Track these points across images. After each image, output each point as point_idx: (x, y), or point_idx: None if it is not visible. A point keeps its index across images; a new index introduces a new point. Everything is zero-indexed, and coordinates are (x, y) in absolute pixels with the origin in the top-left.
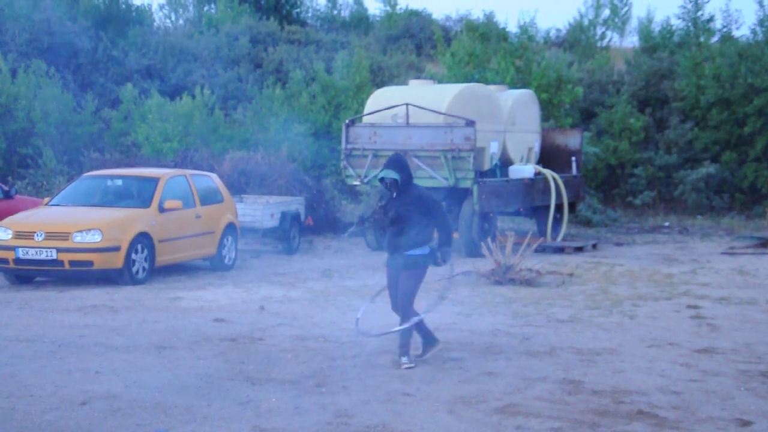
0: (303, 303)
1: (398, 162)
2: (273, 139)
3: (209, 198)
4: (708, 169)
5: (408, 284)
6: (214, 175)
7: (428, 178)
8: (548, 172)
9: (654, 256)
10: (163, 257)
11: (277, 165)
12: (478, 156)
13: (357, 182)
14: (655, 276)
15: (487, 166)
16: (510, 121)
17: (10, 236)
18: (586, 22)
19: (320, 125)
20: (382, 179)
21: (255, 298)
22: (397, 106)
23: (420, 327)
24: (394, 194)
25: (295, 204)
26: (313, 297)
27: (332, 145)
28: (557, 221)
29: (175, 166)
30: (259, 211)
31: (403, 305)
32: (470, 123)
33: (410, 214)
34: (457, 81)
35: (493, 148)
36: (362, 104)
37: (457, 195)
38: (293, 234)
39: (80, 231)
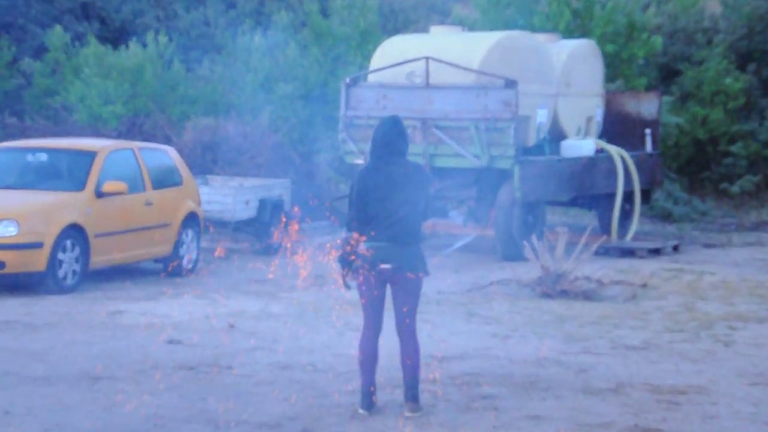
0: (286, 319)
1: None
2: (250, 102)
3: (164, 179)
4: None
5: (409, 292)
6: (170, 149)
7: (453, 156)
8: (614, 149)
9: (757, 263)
10: (101, 257)
11: (254, 137)
12: (520, 127)
13: (360, 161)
14: (758, 289)
15: (532, 141)
16: (564, 82)
17: None
18: None
19: (312, 85)
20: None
21: (222, 313)
22: (413, 60)
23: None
24: (379, 164)
25: (278, 188)
26: (300, 312)
27: (328, 112)
28: (626, 214)
29: (120, 136)
30: (230, 197)
31: (411, 323)
32: (510, 84)
33: (399, 197)
34: (493, 28)
35: (541, 117)
36: (368, 58)
37: (492, 179)
38: (275, 228)
39: None
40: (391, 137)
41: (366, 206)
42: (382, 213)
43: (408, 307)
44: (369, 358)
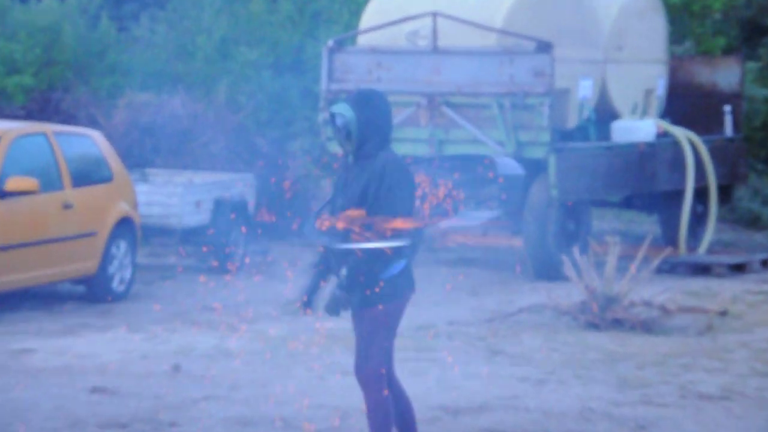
0: (249, 360)
1: (365, 98)
2: (202, 72)
3: (88, 174)
4: None
5: (378, 329)
6: (97, 135)
7: (469, 142)
8: (681, 133)
9: None
10: (3, 278)
11: (208, 118)
12: (557, 104)
13: None
14: None
15: (573, 123)
16: (614, 44)
17: None
18: None
19: (284, 50)
20: (332, 117)
21: (165, 351)
22: (417, 17)
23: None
24: (351, 159)
25: (239, 185)
26: (267, 349)
27: (305, 85)
28: (698, 219)
29: (29, 117)
30: (175, 197)
31: (370, 368)
32: (544, 47)
33: (380, 194)
34: None
35: (585, 91)
36: (357, 15)
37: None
38: (235, 238)
39: None
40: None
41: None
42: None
43: (364, 350)
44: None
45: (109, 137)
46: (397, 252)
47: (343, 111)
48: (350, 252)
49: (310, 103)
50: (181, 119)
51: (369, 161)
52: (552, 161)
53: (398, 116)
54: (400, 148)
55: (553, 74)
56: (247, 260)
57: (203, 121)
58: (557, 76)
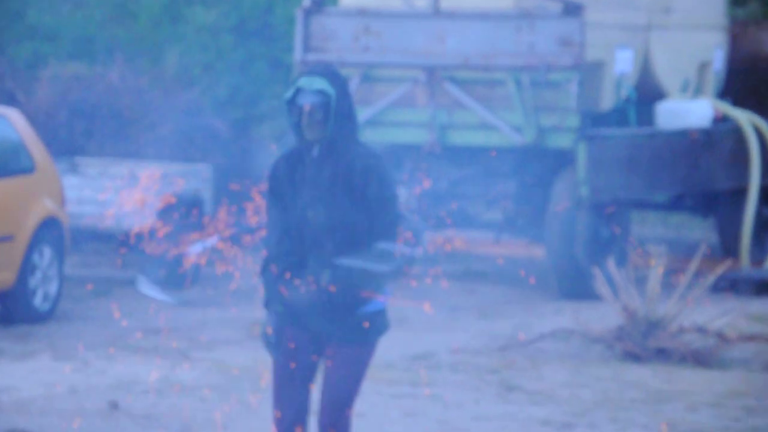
0: (205, 396)
1: (338, 74)
2: (147, 39)
3: (2, 163)
4: None
5: (352, 374)
6: (14, 114)
7: (479, 128)
8: (744, 117)
9: None
10: None
11: (154, 95)
12: (588, 80)
13: None
14: None
15: (608, 104)
16: (660, 6)
17: None
18: None
19: (249, 11)
20: (292, 102)
21: (99, 385)
22: None
23: None
24: (315, 151)
25: (193, 179)
26: (227, 383)
27: (274, 55)
28: (765, 224)
29: None
30: (113, 192)
31: (346, 417)
32: (572, 9)
33: (351, 202)
34: None
35: (623, 64)
36: None
37: (542, 165)
38: (186, 242)
39: None
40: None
41: (281, 216)
42: (307, 228)
43: (341, 393)
44: None
45: (30, 117)
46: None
47: (323, 86)
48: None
49: (280, 77)
50: (120, 96)
51: (338, 157)
52: (581, 151)
53: (391, 94)
54: (393, 135)
55: (583, 43)
56: (201, 269)
57: (148, 98)
58: (589, 45)
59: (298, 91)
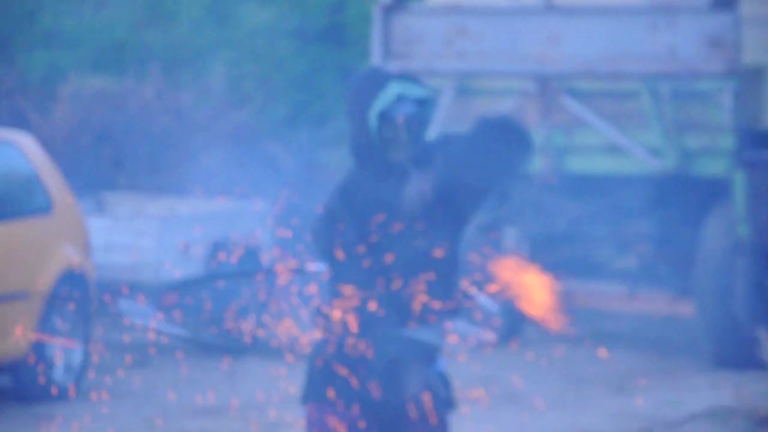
0: None
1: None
2: (188, 45)
3: (13, 202)
4: None
5: None
6: (26, 140)
7: (605, 152)
8: None
9: None
10: None
11: (198, 115)
12: (747, 90)
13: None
14: None
15: None
16: None
17: None
18: None
19: (314, 9)
20: (384, 115)
21: None
22: None
23: None
24: (405, 167)
25: (248, 219)
26: None
27: (346, 62)
28: None
29: None
30: (149, 237)
31: None
32: (725, 0)
33: (449, 234)
34: None
35: None
36: None
37: (688, 199)
38: (245, 300)
39: None
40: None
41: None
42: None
43: None
44: None
45: (46, 144)
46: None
47: (424, 94)
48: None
49: None
50: (156, 116)
51: (424, 171)
52: (739, 180)
53: (495, 111)
54: None
55: (739, 43)
56: (262, 333)
57: (190, 119)
58: (746, 46)
59: (398, 99)
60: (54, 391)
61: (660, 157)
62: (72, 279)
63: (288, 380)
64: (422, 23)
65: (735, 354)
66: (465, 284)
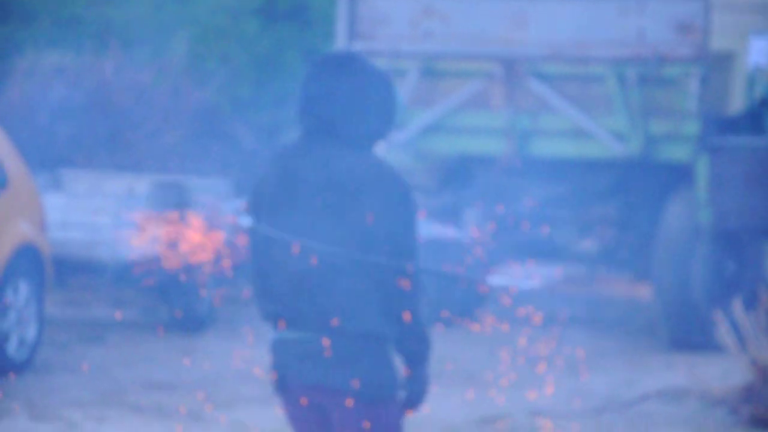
0: None
1: (348, 61)
2: (150, 20)
3: None
4: None
5: None
6: None
7: (570, 136)
8: None
9: None
10: None
11: (158, 92)
12: (713, 76)
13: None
14: None
15: (738, 105)
16: None
17: None
18: None
19: None
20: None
21: None
22: None
23: None
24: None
25: (208, 196)
26: None
27: (310, 44)
28: None
29: None
30: (106, 214)
31: None
32: None
33: (353, 234)
34: None
35: (758, 55)
36: None
37: (651, 183)
38: (200, 278)
39: None
40: (339, 100)
41: (266, 243)
42: (301, 258)
43: None
44: None
45: (2, 120)
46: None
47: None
48: None
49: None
50: (115, 93)
51: (344, 160)
52: (703, 166)
53: (459, 93)
54: (461, 144)
55: (707, 29)
56: (218, 311)
57: (150, 96)
58: (714, 31)
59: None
60: (8, 365)
61: (624, 141)
62: (27, 255)
63: (245, 356)
64: (388, 4)
65: (691, 336)
66: None
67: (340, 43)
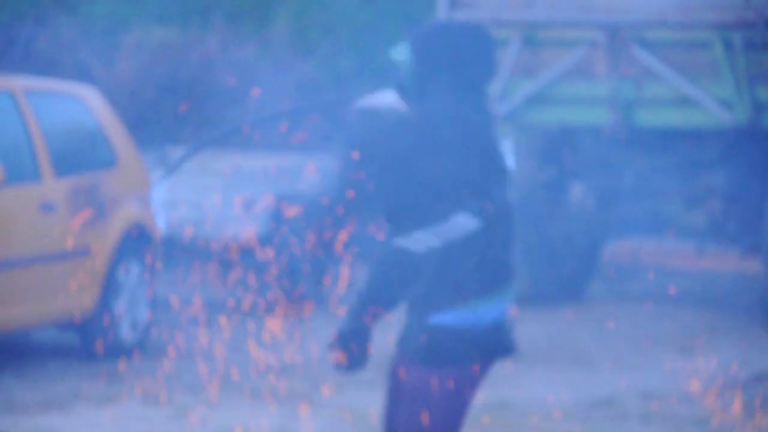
0: None
1: (432, 34)
2: None
3: (78, 156)
4: None
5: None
6: (90, 93)
7: (676, 104)
8: None
9: None
10: None
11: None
12: None
13: None
14: None
15: None
16: None
17: None
18: None
19: None
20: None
21: None
22: None
23: None
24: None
25: (315, 175)
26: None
27: (408, 13)
28: None
29: None
30: (214, 193)
31: None
32: None
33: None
34: None
35: None
36: None
37: (760, 153)
38: (310, 258)
39: None
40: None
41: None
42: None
43: None
44: None
45: (110, 97)
46: None
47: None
48: None
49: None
50: (219, 69)
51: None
52: None
53: (562, 63)
54: (564, 114)
55: None
56: (328, 291)
57: (254, 71)
58: None
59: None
60: (120, 348)
61: (732, 109)
62: (137, 235)
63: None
64: None
65: None
66: None
67: (441, 12)
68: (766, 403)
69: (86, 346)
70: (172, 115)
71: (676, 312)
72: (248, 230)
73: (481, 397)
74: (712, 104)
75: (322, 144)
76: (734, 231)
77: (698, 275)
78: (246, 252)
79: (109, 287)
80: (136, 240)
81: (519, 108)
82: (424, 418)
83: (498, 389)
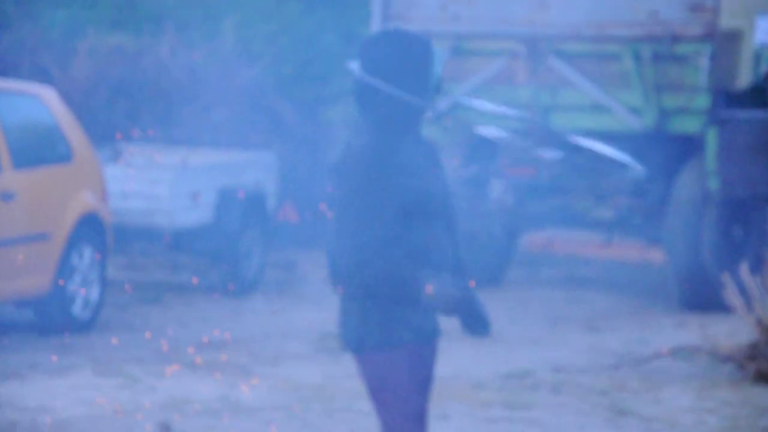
0: (268, 417)
1: (381, 42)
2: (201, 4)
3: (36, 151)
4: None
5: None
6: (48, 93)
7: (589, 110)
8: None
9: None
10: None
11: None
12: (722, 53)
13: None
14: None
15: (745, 81)
16: None
17: None
18: None
19: None
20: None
21: (148, 405)
22: None
23: None
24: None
25: (255, 169)
26: (295, 402)
27: (348, 26)
28: None
29: None
30: (163, 185)
31: None
32: None
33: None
34: None
35: (764, 34)
36: None
37: (663, 154)
38: (248, 244)
39: None
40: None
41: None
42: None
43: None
44: None
45: (66, 97)
46: None
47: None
48: None
49: (354, 52)
50: (169, 72)
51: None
52: (712, 137)
53: (485, 71)
54: (487, 117)
55: (717, 8)
56: (266, 275)
57: (202, 75)
58: (724, 10)
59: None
60: (73, 324)
61: (639, 115)
62: (90, 222)
63: (287, 315)
64: None
65: (700, 297)
66: None
67: (375, 24)
68: (661, 376)
69: (42, 322)
70: (124, 115)
71: (584, 295)
72: (193, 218)
73: None
74: (622, 111)
75: (262, 142)
76: (638, 224)
77: (605, 263)
78: (191, 237)
79: (64, 269)
80: (90, 227)
81: (446, 111)
82: (392, 397)
83: None
